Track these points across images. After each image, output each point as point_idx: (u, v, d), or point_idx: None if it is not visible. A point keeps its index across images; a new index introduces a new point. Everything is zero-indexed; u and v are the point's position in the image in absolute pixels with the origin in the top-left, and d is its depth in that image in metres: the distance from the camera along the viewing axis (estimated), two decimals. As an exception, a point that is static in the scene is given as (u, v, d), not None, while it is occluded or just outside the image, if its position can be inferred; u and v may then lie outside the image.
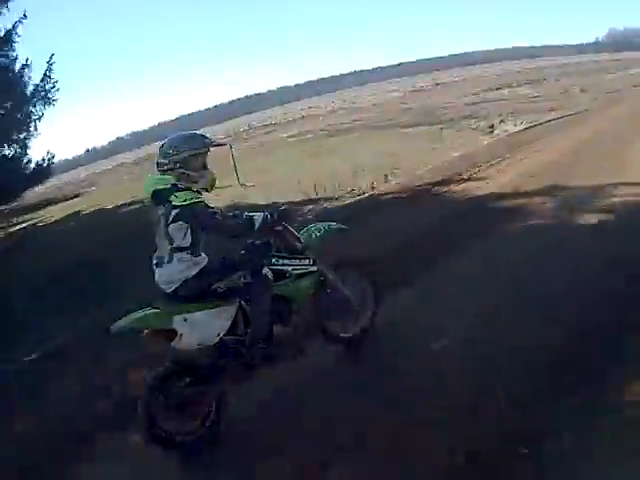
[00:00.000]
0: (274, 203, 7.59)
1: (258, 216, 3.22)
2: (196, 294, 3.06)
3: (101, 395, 3.83)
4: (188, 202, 2.96)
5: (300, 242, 3.48)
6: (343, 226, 3.94)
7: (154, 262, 3.14)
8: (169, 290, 3.06)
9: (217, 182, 3.36)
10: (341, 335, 3.75)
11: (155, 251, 3.15)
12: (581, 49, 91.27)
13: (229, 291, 3.16)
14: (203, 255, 3.14)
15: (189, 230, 3.02)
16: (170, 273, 3.04)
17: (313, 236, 3.63)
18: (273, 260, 3.35)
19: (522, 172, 8.41)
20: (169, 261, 3.05)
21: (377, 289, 3.91)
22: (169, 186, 3.01)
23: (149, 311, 3.03)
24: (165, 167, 3.09)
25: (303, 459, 2.74)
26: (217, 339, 3.12)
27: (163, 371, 2.99)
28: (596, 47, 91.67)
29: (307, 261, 3.48)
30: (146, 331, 3.01)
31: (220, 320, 3.13)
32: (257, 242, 3.39)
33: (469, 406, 2.82)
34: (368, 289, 3.88)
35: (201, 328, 3.05)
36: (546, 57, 74.54)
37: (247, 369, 3.26)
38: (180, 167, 3.07)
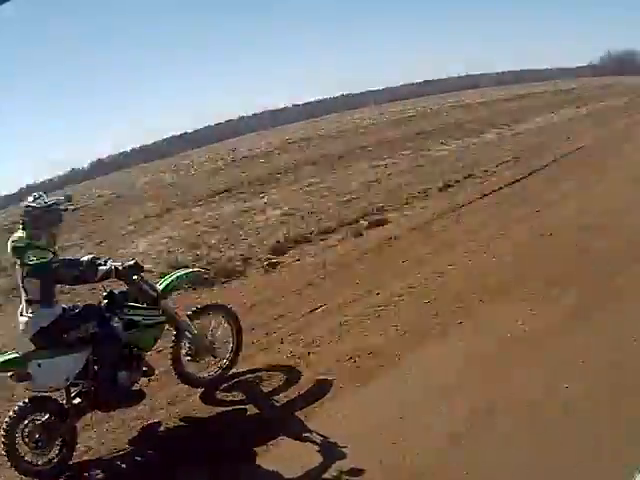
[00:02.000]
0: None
1: (104, 266, 3.77)
2: (50, 342, 3.56)
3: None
4: (39, 262, 3.46)
5: (155, 291, 4.00)
6: (202, 270, 4.44)
7: (18, 311, 3.66)
8: (26, 338, 3.56)
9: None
10: (199, 377, 4.30)
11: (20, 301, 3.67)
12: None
13: (80, 339, 3.66)
14: (57, 306, 3.66)
15: (40, 285, 3.52)
16: (27, 322, 3.55)
17: (171, 284, 4.16)
18: (125, 310, 3.86)
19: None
20: (26, 312, 3.57)
21: (240, 333, 4.46)
22: (23, 244, 3.51)
23: (9, 356, 3.57)
24: (26, 224, 3.58)
25: None
26: (67, 383, 3.63)
27: (20, 409, 3.48)
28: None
29: (156, 312, 3.99)
30: (9, 374, 3.56)
31: (71, 365, 3.63)
32: (116, 291, 3.92)
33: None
34: (230, 332, 4.42)
35: (53, 372, 3.56)
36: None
37: (95, 409, 3.83)
38: (41, 224, 3.58)
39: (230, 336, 4.42)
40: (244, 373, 4.48)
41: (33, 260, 3.47)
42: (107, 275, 3.76)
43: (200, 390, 4.29)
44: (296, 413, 3.84)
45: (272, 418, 3.84)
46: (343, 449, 3.33)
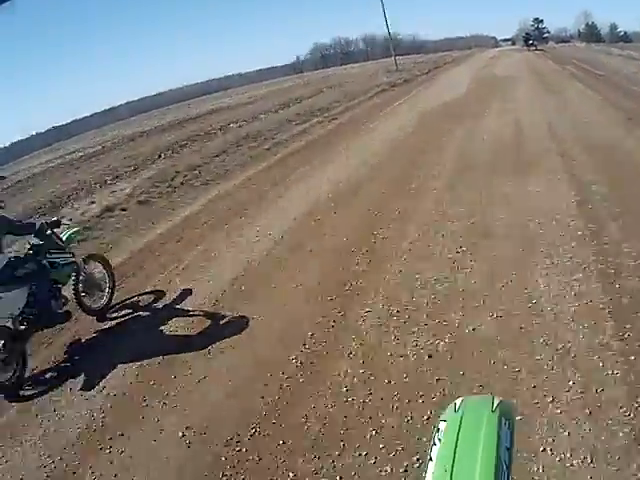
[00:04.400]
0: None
1: (38, 223, 5.69)
2: (3, 280, 5.21)
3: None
4: None
5: (62, 241, 5.94)
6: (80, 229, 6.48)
7: None
8: None
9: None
10: (93, 307, 6.23)
11: None
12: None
13: (24, 277, 5.38)
14: (5, 253, 5.40)
15: None
16: None
17: (68, 237, 6.10)
18: (47, 255, 5.70)
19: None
20: None
21: (113, 275, 6.52)
22: None
23: None
24: None
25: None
26: (19, 311, 5.32)
27: None
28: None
29: (68, 255, 5.96)
30: None
31: (20, 297, 5.33)
32: (38, 243, 5.70)
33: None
34: (108, 275, 6.46)
35: (9, 303, 5.23)
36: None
37: (37, 331, 5.58)
38: None
39: (107, 276, 6.46)
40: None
41: None
42: (38, 228, 5.65)
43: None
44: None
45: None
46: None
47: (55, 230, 5.88)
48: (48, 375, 5.33)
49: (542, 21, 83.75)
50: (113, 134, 33.31)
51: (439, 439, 1.15)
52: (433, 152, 11.75)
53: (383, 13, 51.07)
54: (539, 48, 61.63)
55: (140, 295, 6.65)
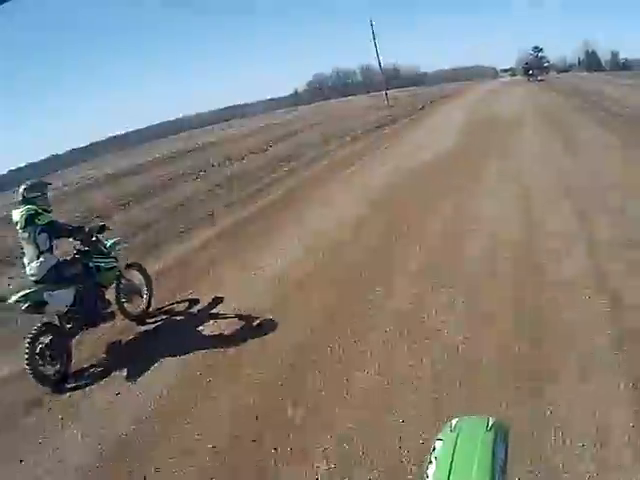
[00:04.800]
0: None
1: (86, 227, 6.14)
2: (54, 279, 5.61)
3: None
4: (48, 220, 5.63)
5: (105, 247, 6.31)
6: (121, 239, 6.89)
7: (26, 262, 5.66)
8: (37, 278, 5.57)
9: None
10: (132, 312, 6.57)
11: (24, 255, 5.73)
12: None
13: (72, 278, 5.76)
14: (55, 254, 5.79)
15: (48, 239, 5.62)
16: (39, 267, 5.58)
17: (111, 245, 6.47)
18: (93, 259, 6.09)
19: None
20: (37, 259, 5.57)
21: (151, 283, 6.87)
22: (33, 212, 5.58)
23: (28, 290, 5.53)
24: (28, 200, 5.67)
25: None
26: (66, 308, 5.73)
27: (35, 331, 5.37)
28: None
29: (111, 259, 6.35)
30: (26, 305, 5.47)
31: (68, 296, 5.74)
32: (84, 248, 6.06)
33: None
34: (146, 283, 6.81)
35: (58, 300, 5.63)
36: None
37: (82, 329, 5.94)
38: (40, 198, 5.72)
39: (145, 284, 6.80)
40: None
41: (43, 221, 5.61)
42: (87, 232, 6.06)
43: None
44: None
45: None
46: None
47: (99, 237, 6.29)
48: (93, 370, 5.71)
49: (542, 50, 79.25)
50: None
51: (435, 458, 1.18)
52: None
53: (374, 46, 47.03)
54: (540, 78, 60.81)
55: (176, 303, 7.06)
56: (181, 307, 6.91)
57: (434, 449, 1.20)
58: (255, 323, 5.99)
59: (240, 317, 6.17)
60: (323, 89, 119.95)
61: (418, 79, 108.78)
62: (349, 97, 75.63)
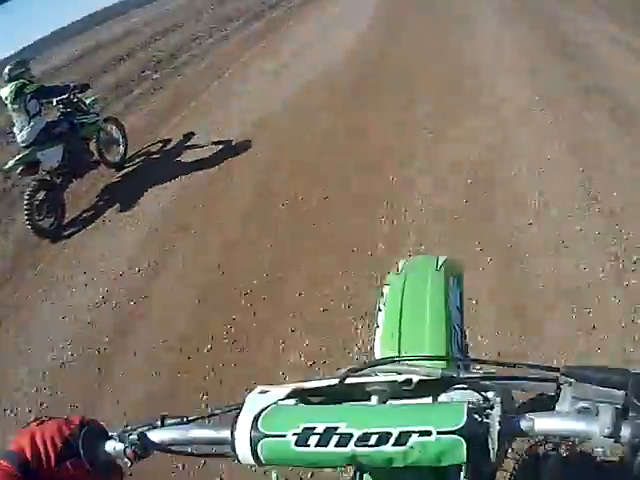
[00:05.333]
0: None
1: (70, 85, 6.93)
2: (44, 139, 6.55)
3: None
4: (36, 87, 6.54)
5: (85, 105, 7.20)
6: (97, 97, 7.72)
7: (17, 132, 6.56)
8: (30, 142, 6.48)
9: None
10: (112, 161, 7.62)
11: (14, 126, 6.62)
12: None
13: (60, 135, 6.71)
14: (44, 116, 6.72)
15: (38, 103, 6.54)
16: (30, 131, 6.50)
17: (90, 102, 7.36)
18: (77, 115, 6.99)
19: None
20: (29, 124, 6.48)
21: (126, 135, 7.86)
22: (20, 84, 6.44)
23: (22, 153, 6.47)
24: (14, 78, 6.47)
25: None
26: (57, 164, 6.71)
27: (32, 187, 6.32)
28: None
29: (94, 115, 7.28)
30: (21, 168, 6.43)
31: (58, 152, 6.69)
32: (67, 109, 6.95)
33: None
34: (122, 134, 7.79)
35: (50, 157, 6.59)
36: None
37: (72, 180, 7.02)
38: (24, 73, 6.56)
39: (121, 136, 7.78)
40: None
41: (31, 89, 6.48)
42: (73, 89, 6.89)
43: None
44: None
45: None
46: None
47: (79, 96, 7.06)
48: (91, 213, 6.86)
49: None
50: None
51: (384, 304, 1.12)
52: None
53: None
54: None
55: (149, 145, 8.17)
56: (155, 148, 8.01)
57: (382, 295, 1.15)
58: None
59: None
60: None
61: None
62: None
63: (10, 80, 6.46)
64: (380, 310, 1.12)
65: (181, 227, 5.82)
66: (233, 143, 7.34)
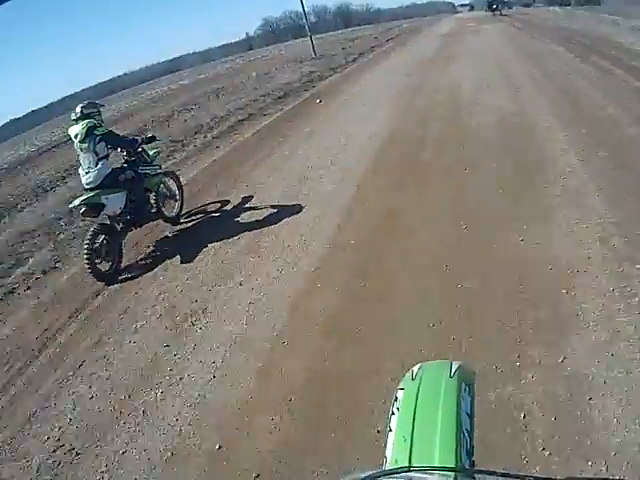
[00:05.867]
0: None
1: (138, 138, 7.05)
2: (109, 184, 6.57)
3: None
4: (106, 131, 6.60)
5: (149, 156, 7.29)
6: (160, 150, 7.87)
7: (84, 171, 6.57)
8: (95, 185, 6.49)
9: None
10: (169, 215, 7.59)
11: (80, 167, 6.65)
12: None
13: (124, 183, 6.73)
14: (111, 161, 6.74)
15: (106, 147, 6.59)
16: (96, 174, 6.52)
17: (153, 155, 7.44)
18: (141, 166, 7.05)
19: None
20: (95, 167, 6.51)
21: (183, 189, 7.92)
22: (92, 125, 6.53)
23: (88, 194, 6.44)
24: (86, 116, 6.59)
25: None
26: (120, 210, 6.70)
27: (93, 231, 6.35)
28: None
29: (157, 167, 7.35)
30: (84, 208, 6.39)
31: (121, 199, 6.70)
32: (131, 158, 7.04)
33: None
34: (179, 189, 7.85)
35: (114, 203, 6.60)
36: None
37: (132, 228, 6.97)
38: (96, 114, 6.68)
39: (178, 190, 7.83)
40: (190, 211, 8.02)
41: (102, 131, 6.56)
42: (141, 141, 7.02)
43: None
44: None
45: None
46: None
47: (144, 147, 7.20)
48: (149, 260, 6.77)
49: None
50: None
51: (397, 408, 1.16)
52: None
53: None
54: (503, 13, 53.64)
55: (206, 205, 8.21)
56: (212, 207, 8.03)
57: (396, 399, 1.19)
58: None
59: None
60: (275, 32, 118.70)
61: (372, 17, 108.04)
62: (289, 42, 72.33)
63: (81, 118, 6.58)
64: (393, 413, 1.16)
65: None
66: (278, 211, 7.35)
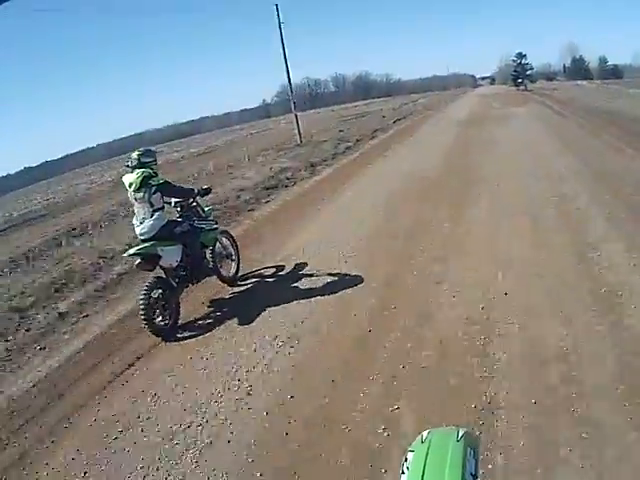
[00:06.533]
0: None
1: (195, 189, 6.58)
2: (165, 236, 6.01)
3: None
4: (162, 181, 6.06)
5: (204, 211, 6.78)
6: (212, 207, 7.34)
7: (138, 222, 6.06)
8: (149, 236, 5.95)
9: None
10: (225, 275, 6.98)
11: (134, 216, 6.13)
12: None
13: (180, 236, 6.17)
14: (166, 213, 6.17)
15: (162, 198, 6.04)
16: (152, 225, 5.98)
17: (208, 209, 6.88)
18: (195, 220, 6.53)
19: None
20: (151, 217, 5.97)
21: (239, 249, 7.33)
22: (147, 174, 6.01)
23: (144, 245, 5.93)
24: (143, 164, 6.08)
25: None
26: (176, 264, 6.15)
27: (148, 284, 5.83)
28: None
29: (213, 222, 6.80)
30: (139, 259, 5.90)
31: (177, 252, 6.16)
32: (185, 212, 6.55)
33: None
34: (234, 248, 7.25)
35: (170, 256, 6.06)
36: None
37: (189, 284, 6.39)
38: (153, 163, 6.16)
39: (234, 250, 7.25)
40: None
41: (158, 181, 6.04)
42: (197, 192, 6.54)
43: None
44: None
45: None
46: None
47: (199, 201, 6.76)
48: (207, 321, 6.15)
49: (525, 56, 72.49)
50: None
51: (407, 468, 1.24)
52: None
53: (283, 51, 26.83)
54: (528, 88, 54.32)
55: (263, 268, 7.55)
56: (268, 272, 7.38)
57: (406, 460, 1.27)
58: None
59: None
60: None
61: (392, 88, 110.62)
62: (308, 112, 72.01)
63: (138, 166, 6.10)
64: (403, 472, 1.23)
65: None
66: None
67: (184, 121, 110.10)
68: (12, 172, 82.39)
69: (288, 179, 15.23)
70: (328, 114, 40.50)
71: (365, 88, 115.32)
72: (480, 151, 15.54)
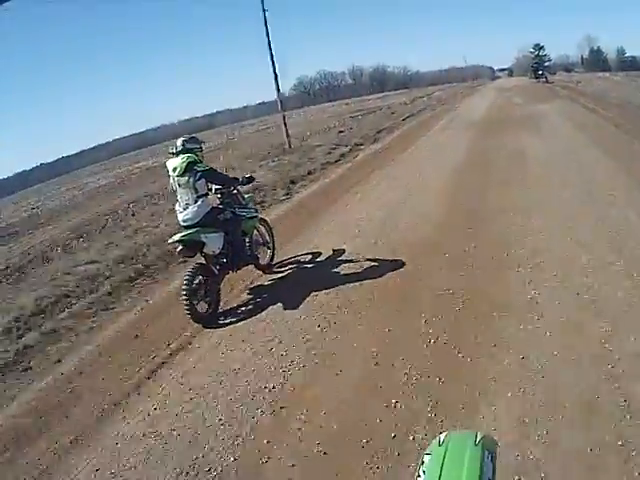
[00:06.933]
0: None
1: (239, 177, 6.77)
2: (208, 223, 6.20)
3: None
4: (207, 168, 6.23)
5: (244, 199, 6.95)
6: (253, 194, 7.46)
7: (181, 208, 6.25)
8: (192, 222, 6.14)
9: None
10: (260, 262, 7.17)
11: (177, 202, 6.33)
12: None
13: (223, 223, 6.37)
14: (209, 199, 6.35)
15: (206, 184, 6.23)
16: (196, 211, 6.16)
17: (248, 197, 7.10)
18: (236, 208, 6.71)
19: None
20: (195, 204, 6.15)
21: (274, 237, 7.51)
22: (192, 160, 6.19)
23: (188, 231, 6.11)
24: (188, 150, 6.28)
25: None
26: (218, 251, 6.32)
27: (190, 271, 6.00)
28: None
29: (253, 210, 6.98)
30: (180, 247, 6.11)
31: (220, 239, 6.33)
32: (226, 199, 6.73)
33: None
34: (270, 236, 7.44)
35: (213, 242, 6.24)
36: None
37: (230, 271, 6.55)
38: (198, 150, 6.35)
39: (269, 237, 7.44)
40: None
41: (203, 168, 6.24)
42: (241, 180, 6.73)
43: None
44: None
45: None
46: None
47: (239, 189, 6.93)
48: (248, 307, 6.31)
49: (543, 47, 72.95)
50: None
51: (423, 471, 1.23)
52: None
53: (269, 46, 22.32)
54: (549, 81, 52.34)
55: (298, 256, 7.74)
56: (304, 258, 7.59)
57: (422, 463, 1.27)
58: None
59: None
60: (309, 93, 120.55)
61: (409, 80, 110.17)
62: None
63: (182, 152, 6.29)
64: (419, 476, 1.23)
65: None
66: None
67: (200, 115, 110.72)
68: (28, 168, 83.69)
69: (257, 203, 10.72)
70: (340, 108, 38.78)
71: (382, 80, 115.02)
72: (504, 179, 10.39)
